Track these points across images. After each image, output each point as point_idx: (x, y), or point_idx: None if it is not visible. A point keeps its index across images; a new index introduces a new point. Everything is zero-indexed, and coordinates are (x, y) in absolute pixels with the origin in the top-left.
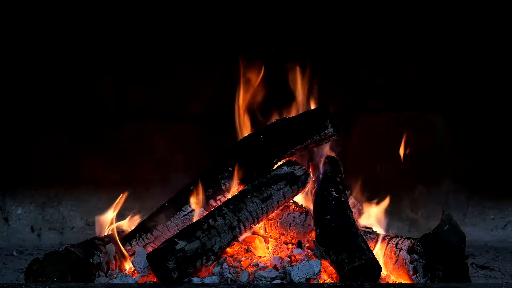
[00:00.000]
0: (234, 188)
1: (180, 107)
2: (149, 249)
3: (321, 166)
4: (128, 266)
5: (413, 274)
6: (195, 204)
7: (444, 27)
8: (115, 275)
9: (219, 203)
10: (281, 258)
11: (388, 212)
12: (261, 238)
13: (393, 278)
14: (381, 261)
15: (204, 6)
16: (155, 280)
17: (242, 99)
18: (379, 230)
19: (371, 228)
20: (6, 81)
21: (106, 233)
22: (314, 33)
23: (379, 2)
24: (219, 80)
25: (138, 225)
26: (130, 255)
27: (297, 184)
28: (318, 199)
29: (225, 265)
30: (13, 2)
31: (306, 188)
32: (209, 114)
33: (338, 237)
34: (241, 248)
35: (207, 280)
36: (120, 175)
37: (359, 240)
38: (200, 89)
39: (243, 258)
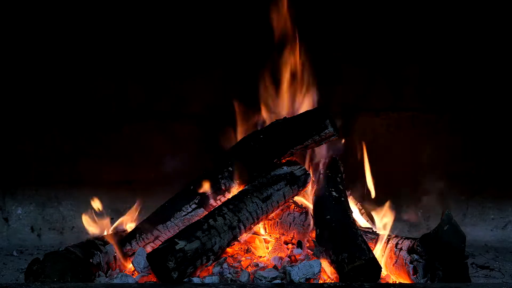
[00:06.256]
0: (234, 188)
1: (180, 107)
2: (149, 249)
3: (321, 166)
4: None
5: (413, 274)
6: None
7: (446, 28)
8: (115, 275)
9: (219, 203)
10: (281, 258)
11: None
12: (261, 238)
13: (393, 278)
14: (381, 261)
15: (205, 9)
16: (155, 280)
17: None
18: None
19: (371, 228)
20: (7, 81)
21: (106, 233)
22: (313, 31)
23: (382, 2)
24: (219, 80)
25: (138, 225)
26: (130, 255)
27: (297, 184)
28: (318, 199)
29: (225, 265)
30: (15, 2)
31: (306, 188)
32: (209, 114)
33: (338, 237)
34: (241, 248)
35: (207, 280)
36: (120, 175)
37: (359, 240)
38: (200, 89)
39: (243, 258)
